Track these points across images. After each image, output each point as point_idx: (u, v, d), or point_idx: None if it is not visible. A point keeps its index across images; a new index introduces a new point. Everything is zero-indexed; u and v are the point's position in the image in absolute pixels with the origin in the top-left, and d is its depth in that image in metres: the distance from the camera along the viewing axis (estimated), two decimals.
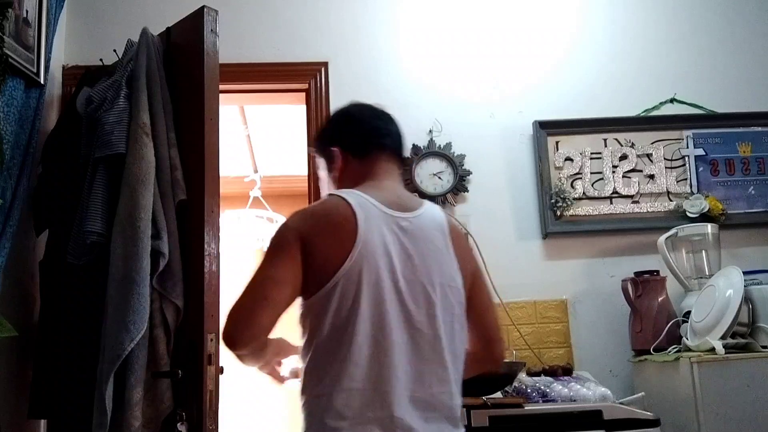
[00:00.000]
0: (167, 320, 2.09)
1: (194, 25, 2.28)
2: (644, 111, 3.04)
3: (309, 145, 1.91)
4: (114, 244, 2.07)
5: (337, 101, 2.92)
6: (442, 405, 1.42)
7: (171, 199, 2.15)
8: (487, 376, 2.16)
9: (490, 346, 1.58)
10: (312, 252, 1.40)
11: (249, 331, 1.36)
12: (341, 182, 1.61)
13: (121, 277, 2.03)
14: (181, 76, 2.32)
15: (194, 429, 2.01)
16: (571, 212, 2.91)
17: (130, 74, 2.25)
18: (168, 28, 2.41)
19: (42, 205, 2.37)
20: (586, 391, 2.29)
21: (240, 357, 1.44)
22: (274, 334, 1.44)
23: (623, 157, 2.98)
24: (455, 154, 2.92)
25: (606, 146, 2.99)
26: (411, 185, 2.86)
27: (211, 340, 2.04)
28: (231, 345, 1.38)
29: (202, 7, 2.28)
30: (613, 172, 2.97)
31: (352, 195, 1.47)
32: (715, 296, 2.40)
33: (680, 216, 2.90)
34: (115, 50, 2.49)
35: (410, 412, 1.36)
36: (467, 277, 1.53)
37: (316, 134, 1.78)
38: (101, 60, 2.60)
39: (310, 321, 1.40)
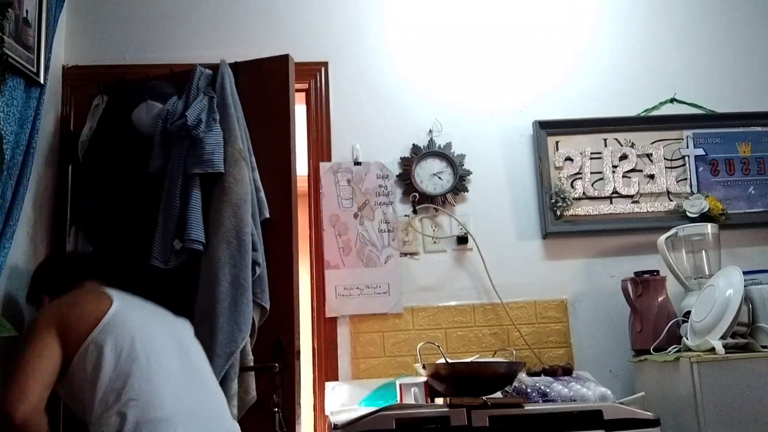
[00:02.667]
0: (254, 321, 2.37)
1: (277, 72, 2.60)
2: (644, 111, 3.04)
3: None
4: (217, 253, 2.34)
5: (337, 101, 2.95)
6: (210, 408, 1.83)
7: (258, 217, 2.44)
8: (487, 375, 2.18)
9: None
10: (67, 322, 1.75)
11: (24, 404, 1.64)
12: None
13: (229, 283, 2.31)
14: (258, 110, 2.58)
15: (288, 415, 2.33)
16: (571, 212, 2.91)
17: (218, 101, 2.50)
18: (236, 63, 2.63)
19: (79, 204, 2.57)
20: (586, 391, 2.29)
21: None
22: None
23: (623, 157, 2.98)
24: (455, 154, 2.92)
25: (606, 146, 2.99)
26: (411, 185, 2.87)
27: (298, 339, 2.41)
28: (11, 417, 1.63)
29: (287, 56, 2.60)
30: (613, 172, 2.97)
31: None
32: (715, 296, 2.40)
33: (680, 216, 2.90)
34: (171, 69, 2.60)
35: (183, 417, 1.70)
36: None
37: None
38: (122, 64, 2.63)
39: (85, 373, 1.70)
